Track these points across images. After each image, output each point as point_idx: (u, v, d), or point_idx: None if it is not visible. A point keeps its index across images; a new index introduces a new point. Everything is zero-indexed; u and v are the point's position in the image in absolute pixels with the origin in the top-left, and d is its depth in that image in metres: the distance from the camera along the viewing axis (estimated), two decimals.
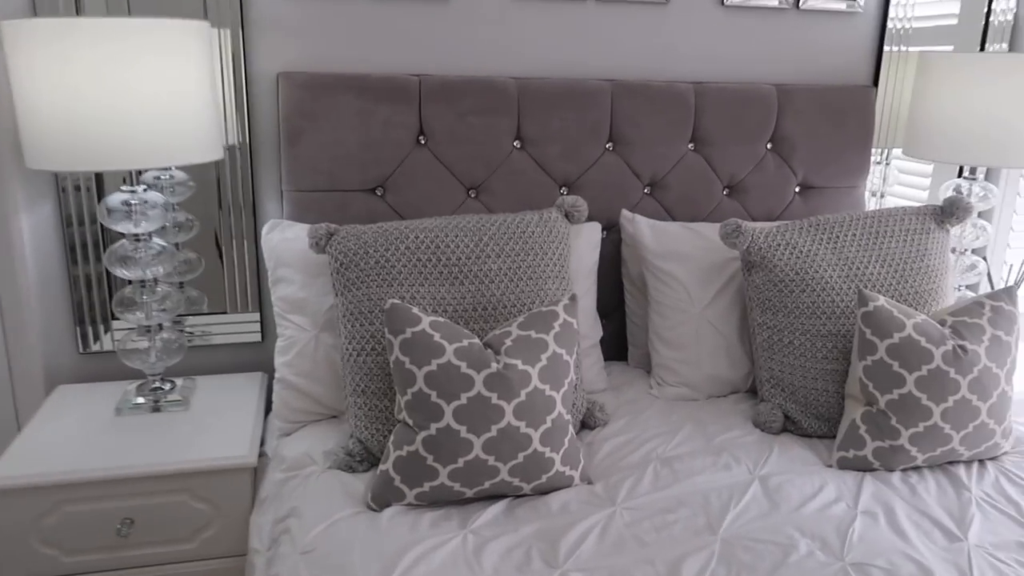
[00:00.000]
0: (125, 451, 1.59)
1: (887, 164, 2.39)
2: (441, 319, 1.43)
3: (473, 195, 2.00)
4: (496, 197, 2.00)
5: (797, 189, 2.22)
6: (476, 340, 1.41)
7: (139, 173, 1.72)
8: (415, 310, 1.42)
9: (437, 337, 1.38)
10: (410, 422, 1.37)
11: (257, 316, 2.03)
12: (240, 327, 2.04)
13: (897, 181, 2.43)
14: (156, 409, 1.80)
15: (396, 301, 1.43)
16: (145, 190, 1.71)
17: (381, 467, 1.39)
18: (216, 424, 1.72)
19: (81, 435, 1.65)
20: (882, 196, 2.41)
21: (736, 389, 1.86)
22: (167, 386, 1.85)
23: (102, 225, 1.88)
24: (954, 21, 2.29)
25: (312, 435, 1.64)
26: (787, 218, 2.20)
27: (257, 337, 2.05)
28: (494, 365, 1.36)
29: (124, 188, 1.70)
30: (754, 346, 1.77)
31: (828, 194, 2.24)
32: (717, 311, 1.84)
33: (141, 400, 1.80)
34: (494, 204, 2.00)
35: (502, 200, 2.00)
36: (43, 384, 1.94)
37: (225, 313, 2.01)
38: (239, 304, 2.02)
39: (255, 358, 2.08)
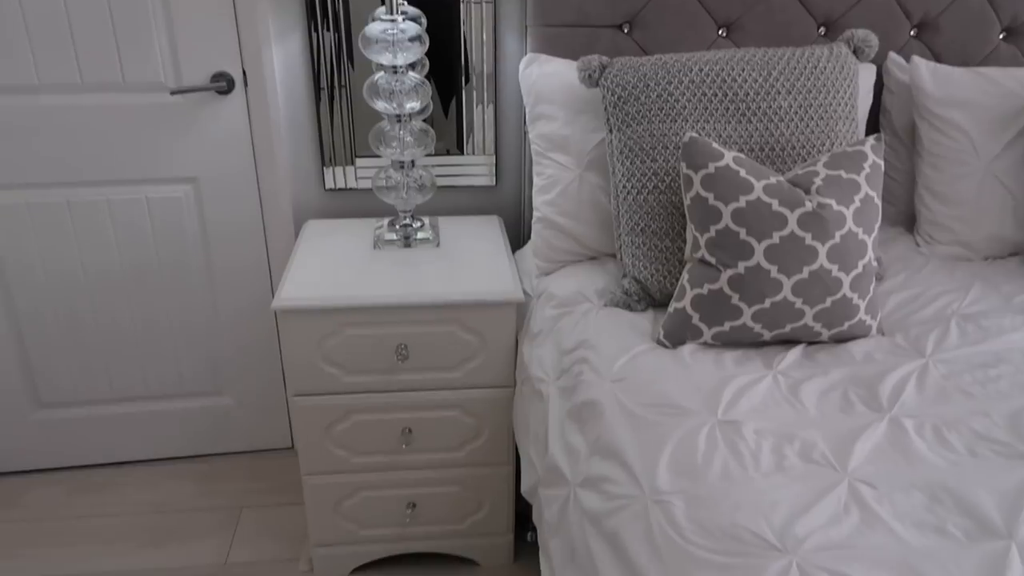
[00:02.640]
0: (394, 281, 1.63)
1: None
2: (742, 155, 1.35)
3: (723, 33, 1.86)
4: (748, 36, 1.85)
5: None
6: (782, 178, 1.33)
7: (396, 3, 1.68)
8: (715, 144, 1.35)
9: (743, 173, 1.31)
10: (712, 260, 1.33)
11: (493, 159, 2.01)
12: (473, 169, 2.02)
13: None
14: (407, 245, 1.83)
15: (695, 134, 1.35)
16: (404, 20, 1.67)
17: (675, 304, 1.37)
18: (470, 261, 1.74)
19: (347, 266, 1.71)
20: None
21: (1017, 251, 1.72)
22: (416, 223, 1.87)
23: (344, 62, 1.87)
24: None
25: (577, 275, 1.63)
26: None
27: (491, 181, 2.04)
28: (808, 204, 1.28)
29: (384, 16, 1.66)
30: None
31: None
32: (1006, 165, 1.67)
33: (393, 236, 1.84)
34: (745, 44, 1.85)
35: (754, 40, 1.85)
36: (292, 220, 2.01)
37: (460, 154, 2.00)
38: (475, 146, 1.99)
39: (487, 201, 2.08)
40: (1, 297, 1.99)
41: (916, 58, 1.78)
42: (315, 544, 1.81)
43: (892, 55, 1.85)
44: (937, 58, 1.91)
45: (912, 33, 1.90)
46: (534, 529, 1.80)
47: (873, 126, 1.92)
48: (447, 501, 1.79)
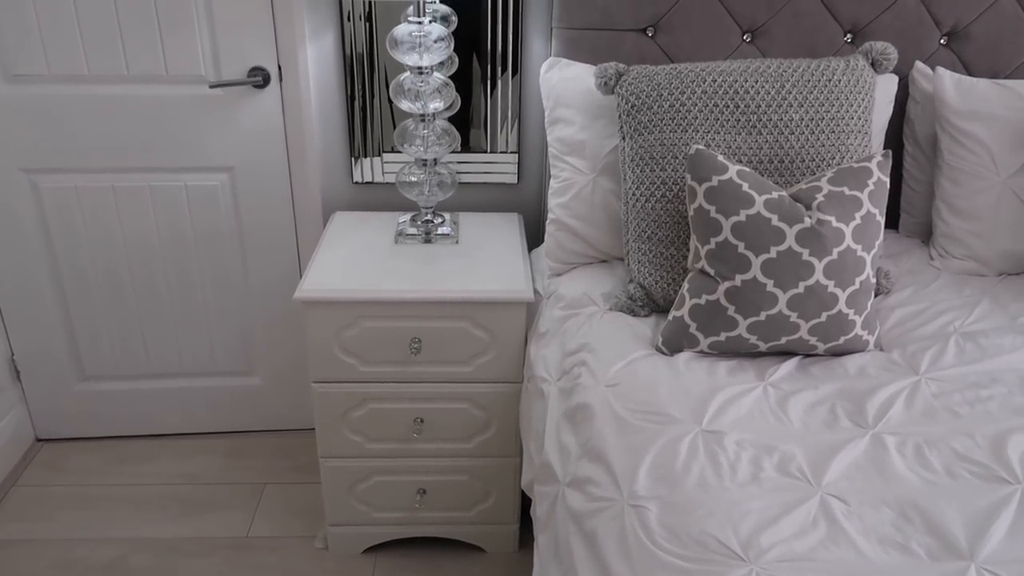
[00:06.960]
0: (411, 277, 1.70)
1: None
2: (747, 169, 1.38)
3: (748, 39, 1.86)
4: (773, 42, 1.86)
5: None
6: (784, 193, 1.35)
7: (425, 4, 1.73)
8: (720, 157, 1.37)
9: (745, 187, 1.34)
10: (711, 271, 1.36)
11: (516, 158, 2.06)
12: (496, 167, 2.07)
13: None
14: (428, 240, 1.89)
15: (701, 147, 1.38)
16: (431, 22, 1.72)
17: (674, 313, 1.40)
18: (486, 259, 1.79)
19: (368, 259, 1.78)
20: None
21: None
22: (438, 220, 1.93)
23: (375, 59, 1.93)
24: None
25: (585, 277, 1.68)
26: None
27: (513, 179, 2.08)
28: (807, 220, 1.30)
29: (411, 19, 1.71)
30: None
31: None
32: None
33: (414, 231, 1.90)
34: (770, 50, 1.86)
35: (779, 46, 1.86)
36: (321, 210, 2.09)
37: (484, 152, 2.05)
38: (498, 144, 2.04)
39: (508, 199, 2.13)
40: (51, 275, 2.12)
41: (940, 69, 1.77)
42: (330, 523, 1.90)
43: (918, 64, 1.84)
44: (967, 68, 1.89)
45: (942, 42, 1.88)
46: None
47: (896, 136, 1.91)
48: (456, 489, 1.86)
